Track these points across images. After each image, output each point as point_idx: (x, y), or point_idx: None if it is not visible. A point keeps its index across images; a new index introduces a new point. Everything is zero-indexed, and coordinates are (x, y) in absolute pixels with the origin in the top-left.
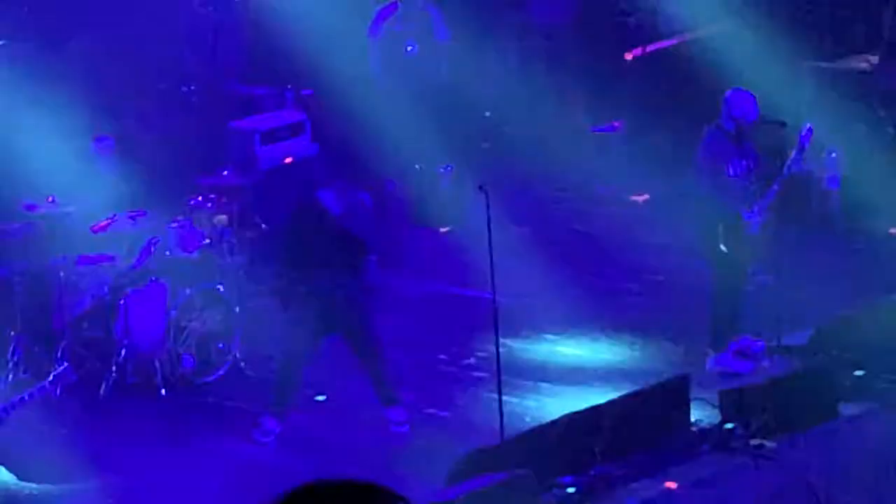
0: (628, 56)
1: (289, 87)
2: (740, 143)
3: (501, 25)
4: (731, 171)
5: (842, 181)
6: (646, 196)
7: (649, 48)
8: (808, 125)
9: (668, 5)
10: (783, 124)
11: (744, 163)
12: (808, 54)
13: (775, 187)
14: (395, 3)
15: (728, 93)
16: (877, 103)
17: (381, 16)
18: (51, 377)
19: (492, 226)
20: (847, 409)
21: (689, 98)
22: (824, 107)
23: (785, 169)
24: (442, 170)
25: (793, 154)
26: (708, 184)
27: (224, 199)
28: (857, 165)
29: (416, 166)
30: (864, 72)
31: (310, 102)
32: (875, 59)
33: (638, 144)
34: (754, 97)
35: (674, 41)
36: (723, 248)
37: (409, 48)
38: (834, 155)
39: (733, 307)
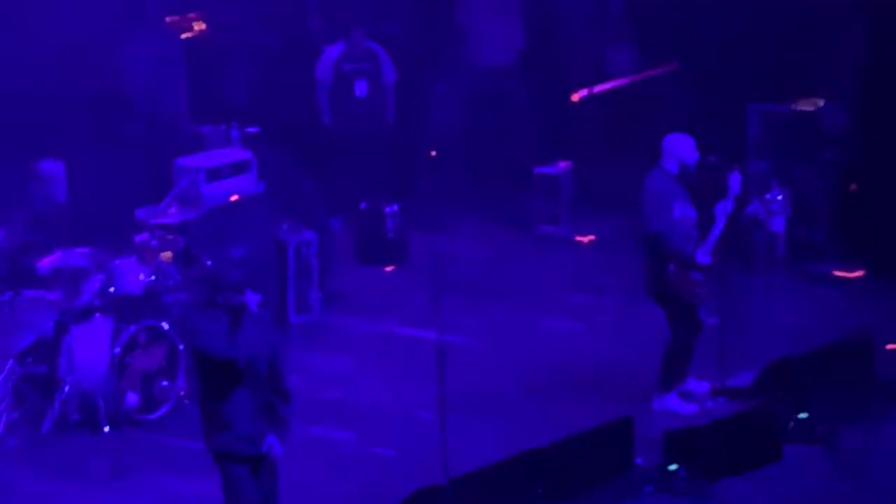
0: (574, 97)
1: (235, 124)
2: (681, 186)
3: (446, 65)
4: (676, 213)
5: (787, 223)
6: (591, 237)
7: (596, 89)
8: (736, 170)
9: (614, 48)
10: (726, 166)
11: (686, 205)
12: (753, 96)
13: (716, 232)
14: (342, 42)
15: (668, 137)
16: (822, 145)
17: (330, 55)
18: None
19: (437, 265)
20: (791, 451)
21: (636, 139)
22: (769, 148)
23: (716, 213)
24: (387, 209)
25: (724, 200)
26: (657, 223)
27: (169, 237)
28: (802, 207)
29: (362, 205)
30: (809, 113)
31: (255, 140)
32: (820, 102)
33: (584, 185)
34: (692, 139)
35: (620, 82)
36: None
37: (357, 90)
38: (780, 197)
39: (690, 349)
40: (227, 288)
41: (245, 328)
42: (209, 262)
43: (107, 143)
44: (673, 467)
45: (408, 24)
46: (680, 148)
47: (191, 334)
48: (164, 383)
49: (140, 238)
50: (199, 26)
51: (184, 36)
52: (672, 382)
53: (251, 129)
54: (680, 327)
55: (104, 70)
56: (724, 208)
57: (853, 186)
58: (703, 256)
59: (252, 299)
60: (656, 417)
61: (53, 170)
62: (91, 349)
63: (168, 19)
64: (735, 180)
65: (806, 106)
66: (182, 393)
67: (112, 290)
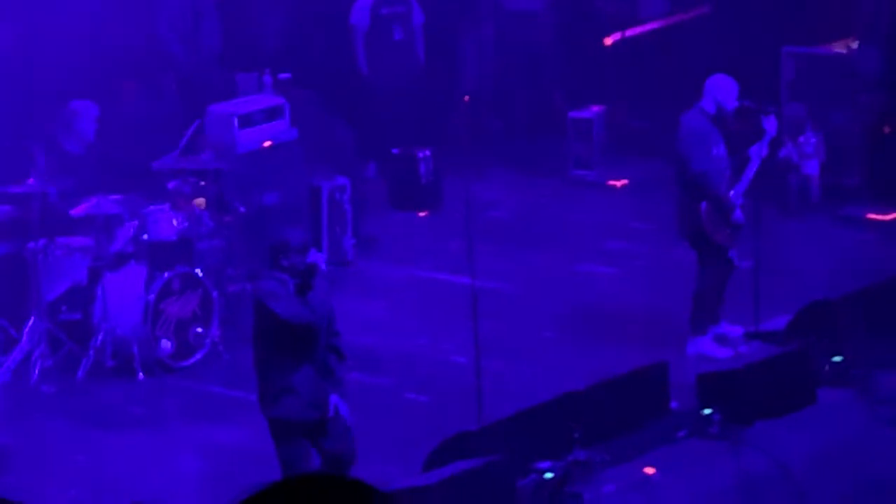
0: (607, 41)
1: (267, 70)
2: (719, 128)
3: (478, 10)
4: (714, 152)
5: (820, 166)
6: (624, 181)
7: (628, 33)
8: (772, 114)
9: None
10: (763, 110)
11: (722, 147)
12: (786, 39)
13: (749, 174)
14: None
15: (712, 77)
16: (857, 88)
17: (363, 2)
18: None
19: (470, 211)
20: (825, 395)
21: (668, 84)
22: (803, 92)
23: (751, 155)
24: (420, 155)
25: (759, 143)
26: (697, 162)
27: (202, 183)
28: (836, 151)
29: (394, 151)
30: (843, 56)
31: (288, 86)
32: (854, 44)
33: (616, 130)
34: (737, 84)
35: (652, 26)
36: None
37: (395, 34)
38: (813, 140)
39: (718, 292)
40: (293, 250)
41: (317, 289)
42: (242, 209)
43: (140, 90)
44: (707, 411)
45: None
46: (722, 90)
47: (261, 300)
48: (199, 330)
49: (173, 185)
50: None
51: None
52: (704, 325)
53: (283, 76)
54: (709, 269)
55: (138, 16)
56: (758, 151)
57: (887, 129)
58: (735, 198)
59: (319, 258)
60: (691, 362)
61: (84, 109)
62: (125, 296)
63: None
64: (771, 124)
65: (840, 48)
66: (216, 339)
67: (145, 236)
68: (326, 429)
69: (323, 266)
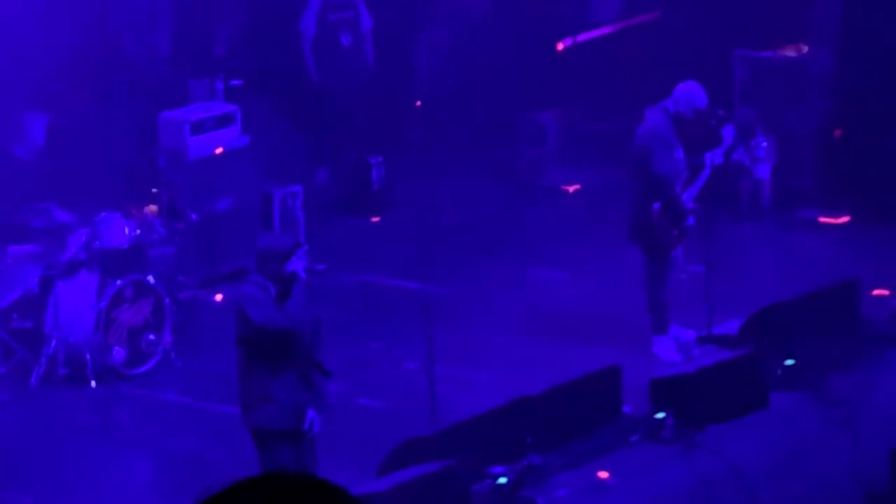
0: (559, 46)
1: (219, 77)
2: (677, 130)
3: (429, 15)
4: (675, 155)
5: (772, 170)
6: (577, 186)
7: (580, 38)
8: (731, 126)
9: None
10: (715, 116)
11: (681, 150)
12: (738, 42)
13: (701, 180)
14: None
15: (685, 83)
16: (808, 92)
17: (313, 6)
18: None
19: (423, 216)
20: (777, 399)
21: (620, 88)
22: (755, 95)
23: (706, 162)
24: (372, 160)
25: (715, 150)
26: (659, 165)
27: (154, 190)
28: (788, 154)
29: (347, 156)
30: (794, 60)
31: (240, 93)
32: (805, 48)
33: (569, 134)
34: (706, 96)
35: (604, 31)
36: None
37: (342, 40)
38: (765, 144)
39: (667, 289)
40: (275, 257)
41: (295, 296)
42: (194, 216)
43: (93, 97)
44: (660, 415)
45: None
46: (691, 97)
47: (241, 305)
48: (151, 337)
49: (125, 192)
50: None
51: None
52: (665, 322)
53: (236, 82)
54: (655, 268)
55: (90, 19)
56: (713, 158)
57: (838, 133)
58: (686, 202)
59: (299, 265)
60: (644, 366)
61: (34, 116)
62: (77, 304)
63: None
64: (729, 133)
65: (791, 52)
66: (169, 347)
67: (97, 244)
68: (300, 441)
69: (302, 274)
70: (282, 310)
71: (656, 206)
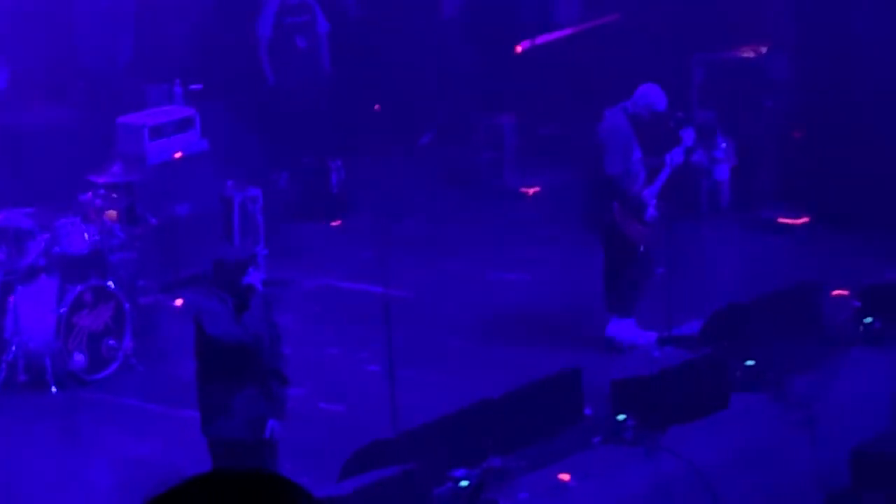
0: (518, 49)
1: (177, 81)
2: (637, 132)
3: (388, 18)
4: (633, 155)
5: (731, 171)
6: (536, 188)
7: (539, 41)
8: (691, 128)
9: None
10: (673, 118)
11: (638, 150)
12: (696, 45)
13: (662, 178)
14: None
15: (646, 85)
16: (766, 93)
17: (269, 10)
18: None
19: (383, 219)
20: (738, 399)
21: (579, 90)
22: (714, 97)
23: (666, 161)
24: (331, 164)
25: (675, 149)
26: (612, 165)
27: (114, 195)
28: (747, 155)
29: (306, 160)
30: (753, 61)
31: (199, 97)
32: (763, 49)
33: (528, 137)
34: (666, 99)
35: (563, 33)
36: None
37: (298, 43)
38: (724, 145)
39: (635, 289)
40: (230, 269)
41: (253, 309)
42: (154, 221)
43: (51, 101)
44: (621, 417)
45: None
46: (651, 98)
47: (197, 316)
48: (111, 343)
49: (84, 197)
50: None
51: None
52: (624, 308)
53: (194, 86)
54: (617, 264)
55: (52, 25)
56: (673, 158)
57: (797, 133)
58: (648, 199)
59: (256, 278)
60: (605, 368)
61: None
62: (37, 310)
63: None
64: (689, 134)
65: (749, 54)
66: (129, 352)
67: (57, 249)
68: (261, 451)
69: (259, 286)
70: (239, 322)
71: (615, 205)
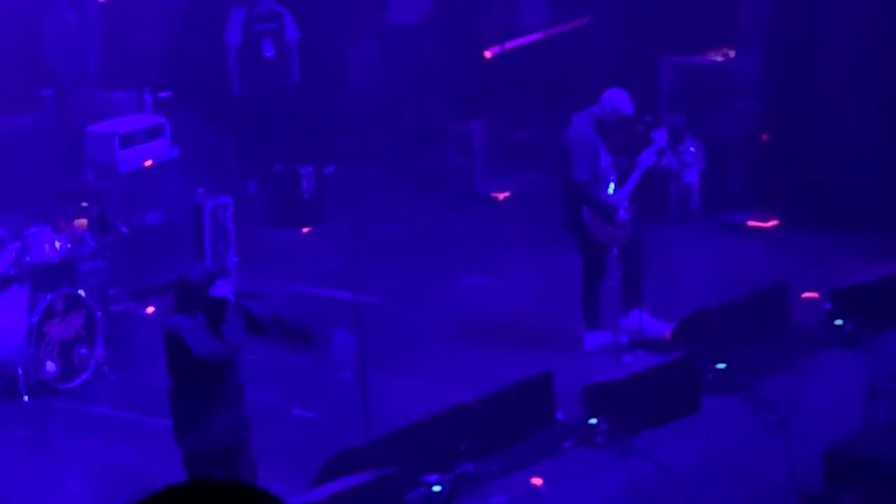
0: (487, 54)
1: (147, 89)
2: (602, 135)
3: (358, 25)
4: (600, 161)
5: (700, 174)
6: (507, 193)
7: (508, 45)
8: (663, 129)
9: (525, 3)
10: (642, 121)
11: (606, 155)
12: (665, 48)
13: (634, 180)
14: (246, 2)
15: (612, 90)
16: (735, 96)
17: (237, 18)
18: None
19: (354, 225)
20: (710, 402)
21: (549, 95)
22: (682, 100)
23: (638, 163)
24: (302, 171)
25: (647, 150)
26: (578, 172)
27: (84, 203)
28: (715, 158)
29: (276, 168)
30: (721, 65)
31: (168, 105)
32: (732, 53)
33: (498, 142)
34: (632, 103)
35: (532, 38)
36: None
37: (265, 51)
38: (692, 148)
39: (625, 286)
40: (195, 286)
41: (230, 321)
42: (125, 229)
43: (20, 109)
44: (593, 421)
45: None
46: (617, 103)
47: (179, 336)
48: (83, 351)
49: (54, 206)
50: None
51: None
52: (595, 320)
53: (164, 94)
54: (593, 266)
55: (21, 35)
56: (646, 159)
57: (765, 137)
58: (620, 201)
59: (226, 289)
60: (577, 372)
61: None
62: (8, 318)
63: None
64: (660, 135)
65: (718, 57)
66: (101, 360)
67: (28, 258)
68: (238, 458)
69: (231, 297)
70: (219, 337)
71: (585, 210)
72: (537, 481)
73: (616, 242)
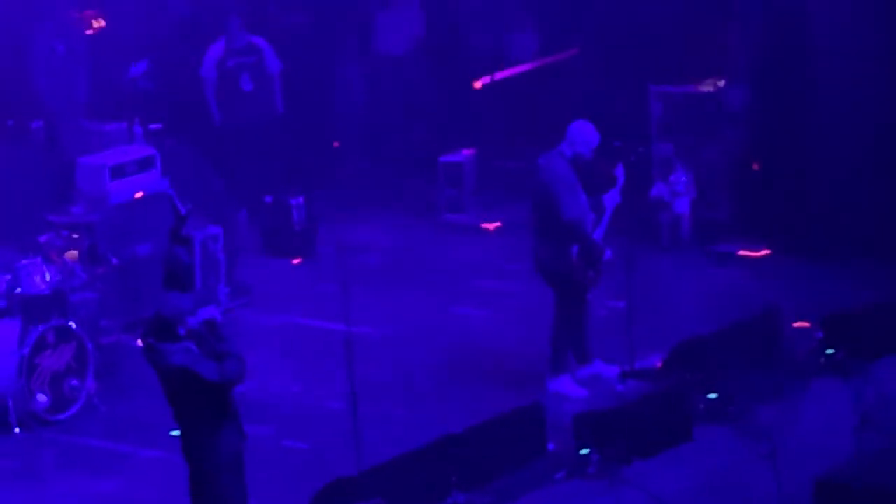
0: (477, 84)
1: (137, 120)
2: (579, 174)
3: (349, 56)
4: (581, 199)
5: (691, 204)
6: (497, 223)
7: (498, 76)
8: (620, 163)
9: (514, 34)
10: (636, 152)
11: (582, 191)
12: (654, 78)
13: (605, 221)
14: (223, 37)
15: (575, 123)
16: (724, 125)
17: (213, 53)
18: None
19: (344, 256)
20: (701, 432)
21: (539, 125)
22: (672, 130)
23: (605, 204)
24: (293, 202)
25: (611, 191)
26: (570, 210)
27: (75, 235)
28: (706, 188)
29: (267, 199)
30: (711, 94)
31: (159, 137)
32: (721, 82)
33: (488, 172)
34: (598, 133)
35: (522, 68)
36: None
37: (243, 85)
38: (683, 178)
39: (579, 332)
40: (184, 315)
41: (227, 339)
42: (115, 260)
43: (9, 142)
44: (584, 451)
45: (311, 14)
46: (583, 136)
47: (190, 370)
48: (74, 383)
49: (45, 237)
50: (98, 24)
51: (88, 32)
52: (562, 363)
53: (154, 126)
54: (571, 310)
55: (10, 67)
56: (612, 199)
57: (756, 166)
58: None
59: (214, 312)
60: (568, 402)
61: None
62: None
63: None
64: (620, 172)
65: (707, 87)
66: (92, 392)
67: (18, 290)
68: (241, 464)
69: (219, 316)
70: (225, 358)
71: (574, 250)
72: None
73: (592, 287)
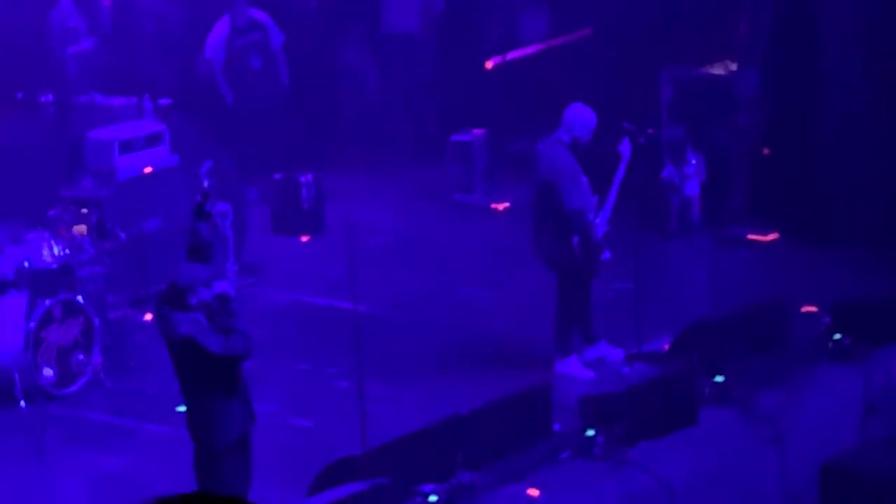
0: (488, 65)
1: (147, 96)
2: (575, 155)
3: (355, 34)
4: (582, 183)
5: (701, 187)
6: (506, 204)
7: (509, 56)
8: (626, 139)
9: (527, 14)
10: (646, 134)
11: (583, 176)
12: (666, 61)
13: (611, 200)
14: (227, 16)
15: (571, 107)
16: (736, 110)
17: (218, 34)
18: None
19: (353, 235)
20: (707, 415)
21: (549, 106)
22: (683, 113)
23: (613, 181)
24: (302, 179)
25: (618, 168)
26: (572, 200)
27: (83, 210)
28: (716, 172)
29: (277, 176)
30: (722, 78)
31: (168, 112)
32: (733, 66)
33: (498, 153)
34: (595, 114)
35: (533, 49)
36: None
37: (253, 63)
38: (693, 161)
39: (582, 313)
40: (198, 286)
41: (236, 313)
42: (123, 236)
43: (19, 115)
44: (590, 433)
45: None
46: (580, 120)
47: (195, 340)
48: (80, 357)
49: (53, 212)
50: None
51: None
52: (568, 344)
53: (164, 101)
54: (574, 292)
55: (21, 38)
56: (617, 176)
57: (766, 150)
58: (601, 225)
59: (227, 287)
60: (574, 383)
61: None
62: (6, 324)
63: None
64: (625, 147)
65: (719, 70)
66: (98, 367)
67: (26, 264)
68: (248, 446)
69: (231, 291)
70: (228, 333)
71: (575, 240)
72: (534, 492)
73: (595, 271)
